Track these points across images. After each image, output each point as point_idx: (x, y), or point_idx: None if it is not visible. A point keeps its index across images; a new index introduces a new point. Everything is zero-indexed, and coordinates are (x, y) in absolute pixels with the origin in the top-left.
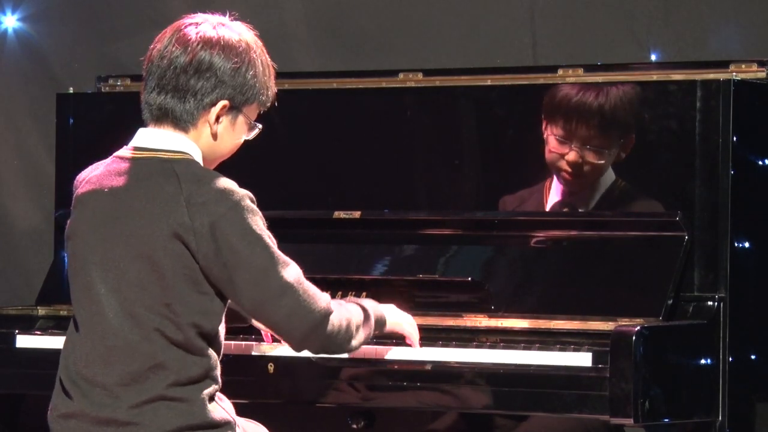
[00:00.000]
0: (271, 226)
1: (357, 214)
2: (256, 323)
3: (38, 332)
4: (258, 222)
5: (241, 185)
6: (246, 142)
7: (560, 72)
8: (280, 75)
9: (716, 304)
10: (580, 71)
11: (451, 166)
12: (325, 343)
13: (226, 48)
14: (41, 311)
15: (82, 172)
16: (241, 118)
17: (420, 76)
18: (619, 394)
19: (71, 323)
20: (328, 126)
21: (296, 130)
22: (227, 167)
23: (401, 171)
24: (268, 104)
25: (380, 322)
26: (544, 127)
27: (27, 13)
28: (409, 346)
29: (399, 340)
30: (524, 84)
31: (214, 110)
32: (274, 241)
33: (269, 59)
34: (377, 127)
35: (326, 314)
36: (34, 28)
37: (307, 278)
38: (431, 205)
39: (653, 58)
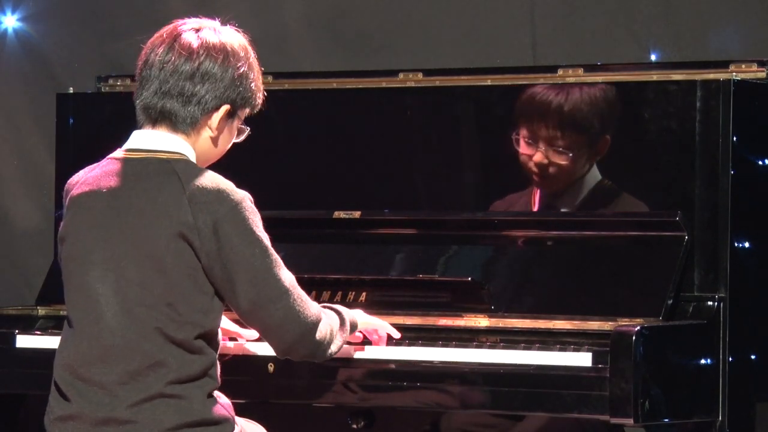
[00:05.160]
0: (271, 226)
1: (357, 214)
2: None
3: (38, 332)
4: (258, 223)
5: (241, 185)
6: (245, 141)
7: (560, 72)
8: (280, 75)
9: (716, 304)
10: (580, 71)
11: (451, 166)
12: (312, 349)
13: (229, 55)
14: (41, 311)
15: (75, 176)
16: (236, 122)
17: (420, 76)
18: (619, 394)
19: (65, 324)
20: (328, 126)
21: (296, 130)
22: (228, 167)
23: (401, 171)
24: (258, 105)
25: (353, 326)
26: (516, 130)
27: (27, 13)
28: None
29: (400, 339)
30: (524, 84)
31: (217, 115)
32: (269, 243)
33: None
34: (377, 127)
35: (317, 321)
36: (34, 28)
37: (308, 278)
38: (431, 205)
39: (653, 58)
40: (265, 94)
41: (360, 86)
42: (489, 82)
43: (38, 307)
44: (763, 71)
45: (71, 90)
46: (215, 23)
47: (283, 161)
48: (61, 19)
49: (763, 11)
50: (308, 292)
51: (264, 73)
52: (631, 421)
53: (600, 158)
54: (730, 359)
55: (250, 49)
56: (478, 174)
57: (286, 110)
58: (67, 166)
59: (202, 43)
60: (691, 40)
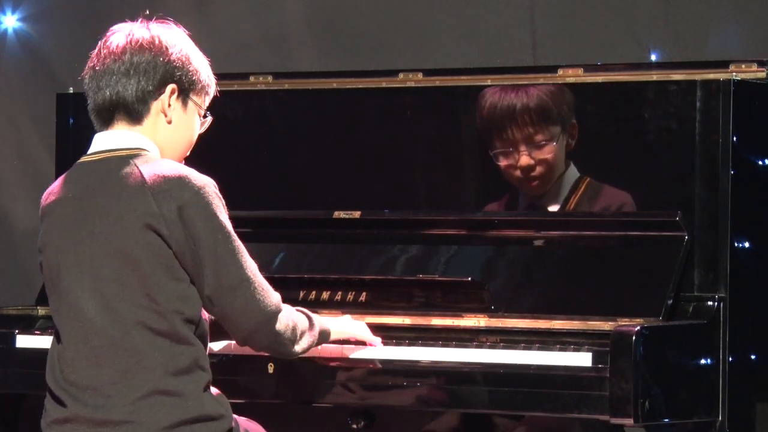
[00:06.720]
0: (271, 226)
1: (357, 214)
2: None
3: (38, 332)
4: (221, 209)
5: (241, 185)
6: (245, 141)
7: (560, 72)
8: (280, 75)
9: (716, 304)
10: (580, 71)
11: (451, 166)
12: (271, 339)
13: (160, 44)
14: (41, 311)
15: (48, 188)
16: (191, 105)
17: (420, 76)
18: (619, 394)
19: (53, 334)
20: (328, 126)
21: (296, 130)
22: (227, 166)
23: (401, 171)
24: (211, 92)
25: (324, 334)
26: (490, 148)
27: (27, 13)
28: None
29: (400, 339)
30: (524, 84)
31: (164, 96)
32: (232, 229)
33: (200, 51)
34: (377, 127)
35: (277, 311)
36: (34, 28)
37: (308, 278)
38: (431, 205)
39: (653, 58)
40: (217, 79)
41: (360, 86)
42: (489, 82)
43: (38, 307)
44: (763, 71)
45: (71, 90)
46: (147, 23)
47: (283, 161)
48: (61, 19)
49: (763, 11)
50: (308, 292)
51: (264, 73)
52: (631, 421)
53: (574, 144)
54: (730, 359)
55: (185, 38)
56: (478, 174)
57: (286, 110)
58: (67, 167)
59: (130, 39)
60: (691, 40)
